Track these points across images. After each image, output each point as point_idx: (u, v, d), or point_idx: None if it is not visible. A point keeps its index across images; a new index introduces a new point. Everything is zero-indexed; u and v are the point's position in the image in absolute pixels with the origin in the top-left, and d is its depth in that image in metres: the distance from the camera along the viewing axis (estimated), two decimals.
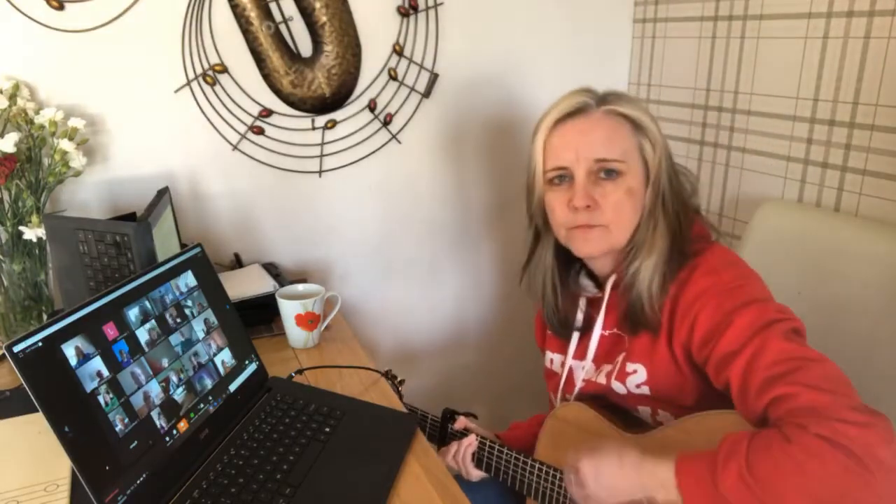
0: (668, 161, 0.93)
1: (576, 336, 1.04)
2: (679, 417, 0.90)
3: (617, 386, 0.96)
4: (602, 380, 0.98)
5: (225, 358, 0.93)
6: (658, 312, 0.90)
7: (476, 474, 1.09)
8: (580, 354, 1.03)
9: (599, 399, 1.01)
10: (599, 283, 1.03)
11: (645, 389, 0.94)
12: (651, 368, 0.92)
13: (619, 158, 0.90)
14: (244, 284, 1.25)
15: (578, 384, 1.03)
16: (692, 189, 0.99)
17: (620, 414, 0.98)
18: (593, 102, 0.93)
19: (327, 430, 0.88)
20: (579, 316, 1.04)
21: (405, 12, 1.42)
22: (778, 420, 0.73)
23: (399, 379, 1.11)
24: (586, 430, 0.98)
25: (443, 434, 1.11)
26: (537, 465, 1.00)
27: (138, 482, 0.73)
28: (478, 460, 1.07)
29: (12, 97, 1.12)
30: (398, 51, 1.44)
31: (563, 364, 1.07)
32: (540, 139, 0.95)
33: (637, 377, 0.94)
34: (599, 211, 0.91)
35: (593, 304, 1.02)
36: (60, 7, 1.18)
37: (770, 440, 0.72)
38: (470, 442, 1.06)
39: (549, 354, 1.11)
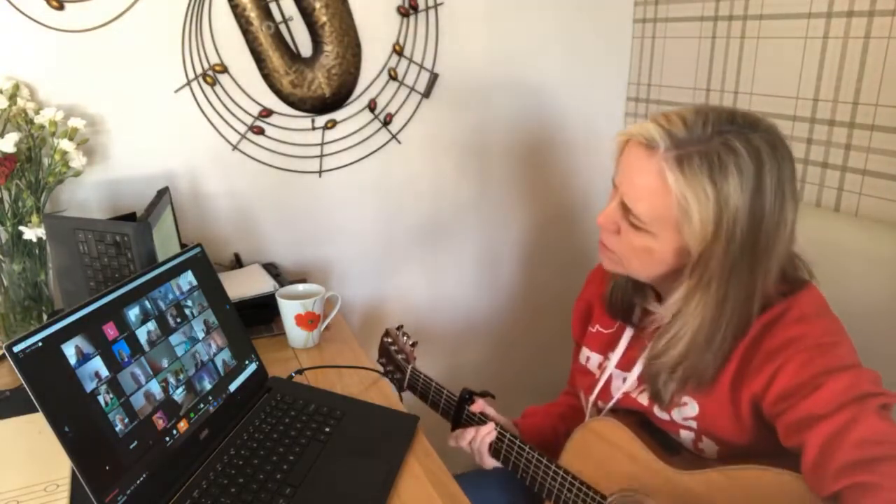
0: (734, 253, 0.76)
1: (625, 341, 0.97)
2: (724, 449, 0.85)
3: (660, 413, 0.89)
4: (644, 400, 0.91)
5: (225, 358, 0.93)
6: (675, 397, 0.85)
7: (490, 463, 1.03)
8: (624, 365, 0.96)
9: (636, 414, 0.94)
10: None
11: (692, 423, 0.86)
12: (705, 406, 0.84)
13: (642, 220, 0.80)
14: (244, 284, 1.25)
15: (616, 395, 0.95)
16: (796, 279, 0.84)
17: (658, 435, 0.91)
18: (663, 146, 0.76)
19: (327, 430, 0.88)
20: (637, 312, 0.95)
21: (405, 12, 1.42)
22: None
23: (412, 340, 1.08)
24: (619, 449, 0.92)
25: (458, 414, 1.06)
26: (561, 473, 0.94)
27: (138, 482, 0.73)
28: (495, 450, 1.01)
29: (12, 97, 1.12)
30: (398, 51, 1.44)
31: (600, 366, 1.00)
32: (619, 145, 0.86)
33: (686, 410, 0.86)
34: (617, 239, 0.85)
35: (649, 315, 0.93)
36: (60, 7, 1.18)
37: None
38: (489, 431, 1.00)
39: (587, 351, 1.04)
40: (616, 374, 0.97)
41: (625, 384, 0.95)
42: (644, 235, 0.81)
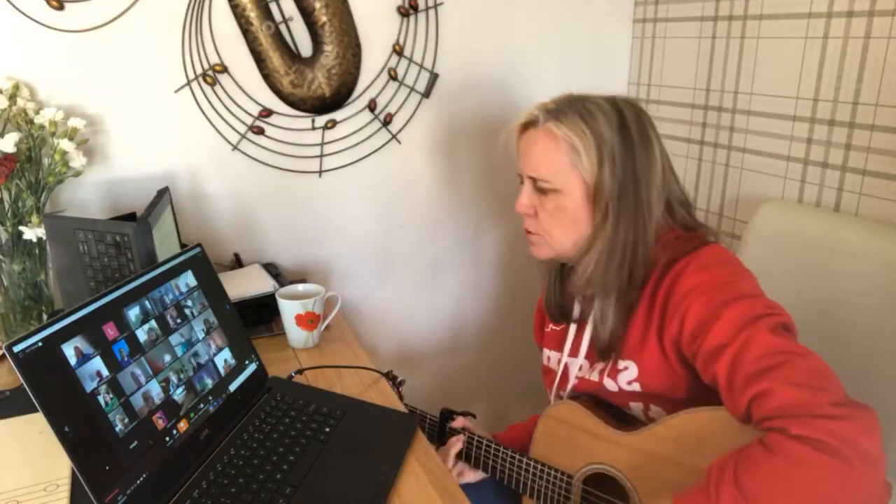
0: (619, 177, 0.90)
1: (572, 333, 1.05)
2: (671, 412, 0.91)
3: (608, 383, 0.97)
4: (595, 377, 0.99)
5: (225, 358, 0.93)
6: (618, 339, 0.94)
7: (472, 475, 1.10)
8: (575, 352, 1.04)
9: (592, 396, 1.02)
10: None
11: (636, 386, 0.94)
12: (642, 365, 0.93)
13: (545, 178, 0.94)
14: (244, 284, 1.25)
15: (572, 381, 1.04)
16: (680, 203, 0.96)
17: (612, 411, 0.99)
18: (542, 117, 0.94)
19: (327, 430, 0.88)
20: (577, 307, 1.05)
21: (405, 12, 1.42)
22: (760, 420, 0.74)
23: (399, 380, 1.11)
24: (578, 428, 0.99)
25: (441, 434, 1.12)
26: (532, 463, 1.01)
27: (138, 482, 0.73)
28: (475, 459, 1.08)
29: (12, 97, 1.12)
30: (398, 51, 1.44)
31: (559, 361, 1.07)
32: (513, 142, 1.02)
33: (628, 374, 0.95)
34: (536, 220, 0.98)
35: (588, 300, 1.02)
36: (60, 7, 1.18)
37: (754, 455, 0.72)
38: (456, 440, 1.08)
39: (547, 352, 1.12)
40: (570, 361, 1.06)
41: (577, 368, 1.03)
42: (554, 196, 0.94)
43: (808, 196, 1.25)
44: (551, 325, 1.11)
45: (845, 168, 1.18)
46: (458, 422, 1.11)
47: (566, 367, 1.06)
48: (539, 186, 0.95)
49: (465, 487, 1.08)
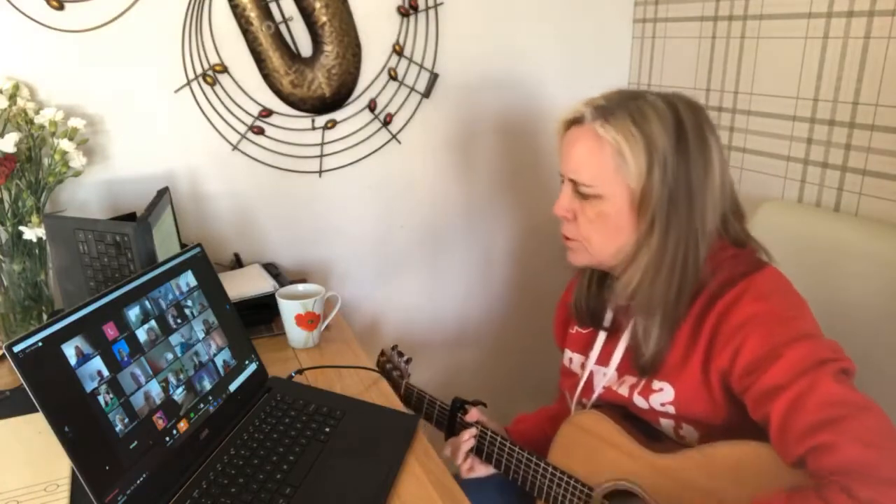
0: (670, 185, 0.83)
1: (601, 341, 1.00)
2: (704, 433, 0.87)
3: (639, 400, 0.92)
4: (624, 391, 0.94)
5: (225, 358, 0.93)
6: (661, 359, 0.88)
7: (484, 470, 1.07)
8: (603, 360, 0.99)
9: (620, 408, 0.97)
10: None
11: (669, 409, 0.89)
12: (680, 389, 0.87)
13: (587, 183, 0.87)
14: (244, 284, 1.25)
15: (598, 390, 0.99)
16: (735, 216, 0.90)
17: (640, 425, 0.94)
18: (589, 115, 0.86)
19: (327, 430, 0.88)
20: (608, 315, 1.00)
21: (405, 12, 1.42)
22: (818, 473, 0.70)
23: (406, 357, 1.10)
24: (602, 440, 0.94)
25: (451, 424, 1.09)
26: (550, 469, 0.97)
27: (138, 482, 0.73)
28: (487, 455, 1.05)
29: (12, 97, 1.12)
30: (398, 51, 1.44)
31: (583, 365, 1.03)
32: (558, 139, 0.94)
33: (663, 395, 0.89)
34: (576, 225, 0.91)
35: (623, 311, 0.97)
36: (60, 7, 1.18)
37: None
38: (468, 437, 1.05)
39: (569, 353, 1.07)
40: (596, 370, 1.00)
41: (605, 378, 0.98)
42: (595, 202, 0.87)
43: (808, 196, 1.25)
44: (576, 328, 1.06)
45: (845, 168, 1.18)
46: (472, 415, 1.07)
47: (591, 375, 1.01)
48: (580, 191, 0.88)
49: (473, 481, 1.08)
